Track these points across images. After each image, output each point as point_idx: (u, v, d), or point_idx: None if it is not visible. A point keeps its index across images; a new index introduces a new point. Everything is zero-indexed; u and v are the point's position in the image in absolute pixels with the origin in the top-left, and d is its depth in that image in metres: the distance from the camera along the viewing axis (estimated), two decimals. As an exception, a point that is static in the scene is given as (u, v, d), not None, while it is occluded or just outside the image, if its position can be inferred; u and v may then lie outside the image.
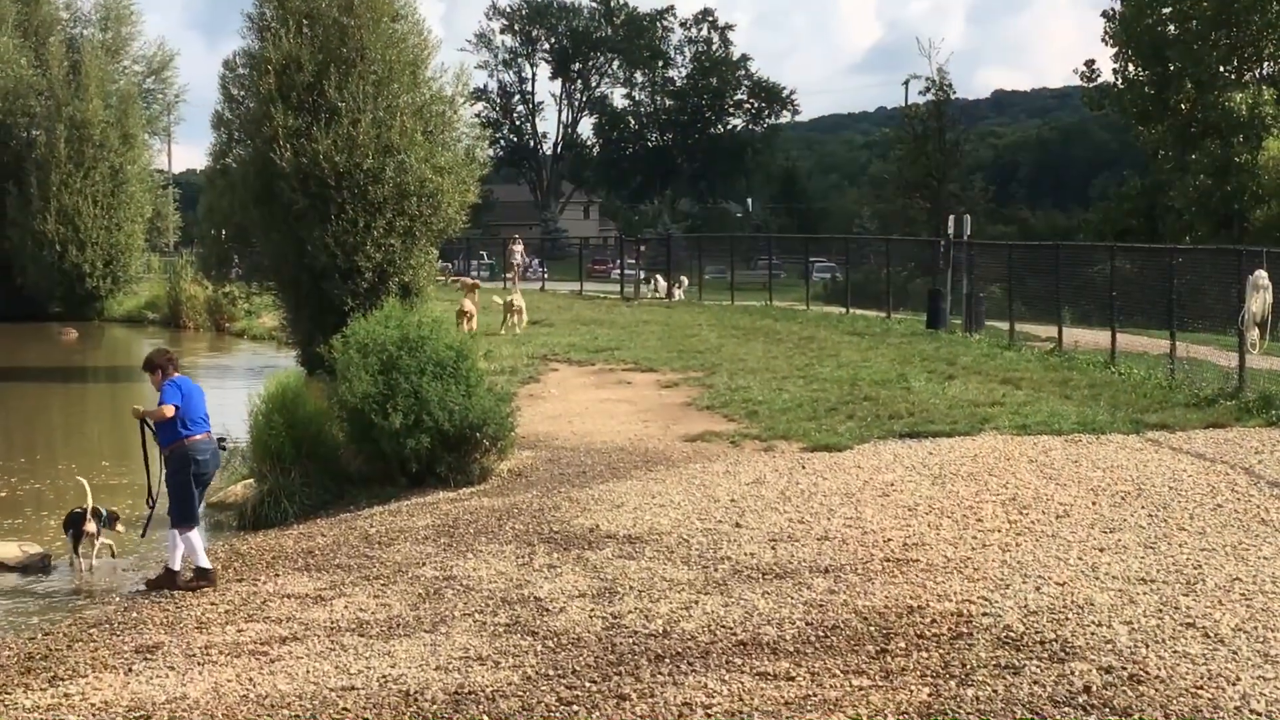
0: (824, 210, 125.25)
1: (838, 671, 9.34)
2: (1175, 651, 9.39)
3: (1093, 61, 68.73)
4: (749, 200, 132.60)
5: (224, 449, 14.90)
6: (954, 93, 79.76)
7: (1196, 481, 15.39)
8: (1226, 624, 9.97)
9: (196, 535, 14.14)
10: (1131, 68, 65.53)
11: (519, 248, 64.38)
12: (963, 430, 19.15)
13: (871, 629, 10.29)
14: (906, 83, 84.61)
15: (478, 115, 35.26)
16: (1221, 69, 62.07)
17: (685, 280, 54.03)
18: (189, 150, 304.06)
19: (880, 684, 9.04)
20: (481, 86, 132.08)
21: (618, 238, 79.90)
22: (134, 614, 12.88)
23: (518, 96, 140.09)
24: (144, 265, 66.77)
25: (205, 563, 14.02)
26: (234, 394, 24.77)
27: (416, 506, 16.92)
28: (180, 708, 9.54)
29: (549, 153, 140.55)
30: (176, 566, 14.03)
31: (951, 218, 39.52)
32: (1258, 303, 21.68)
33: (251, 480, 18.48)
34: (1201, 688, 8.66)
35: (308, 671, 10.24)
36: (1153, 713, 8.25)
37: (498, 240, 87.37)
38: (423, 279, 32.86)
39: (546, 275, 66.98)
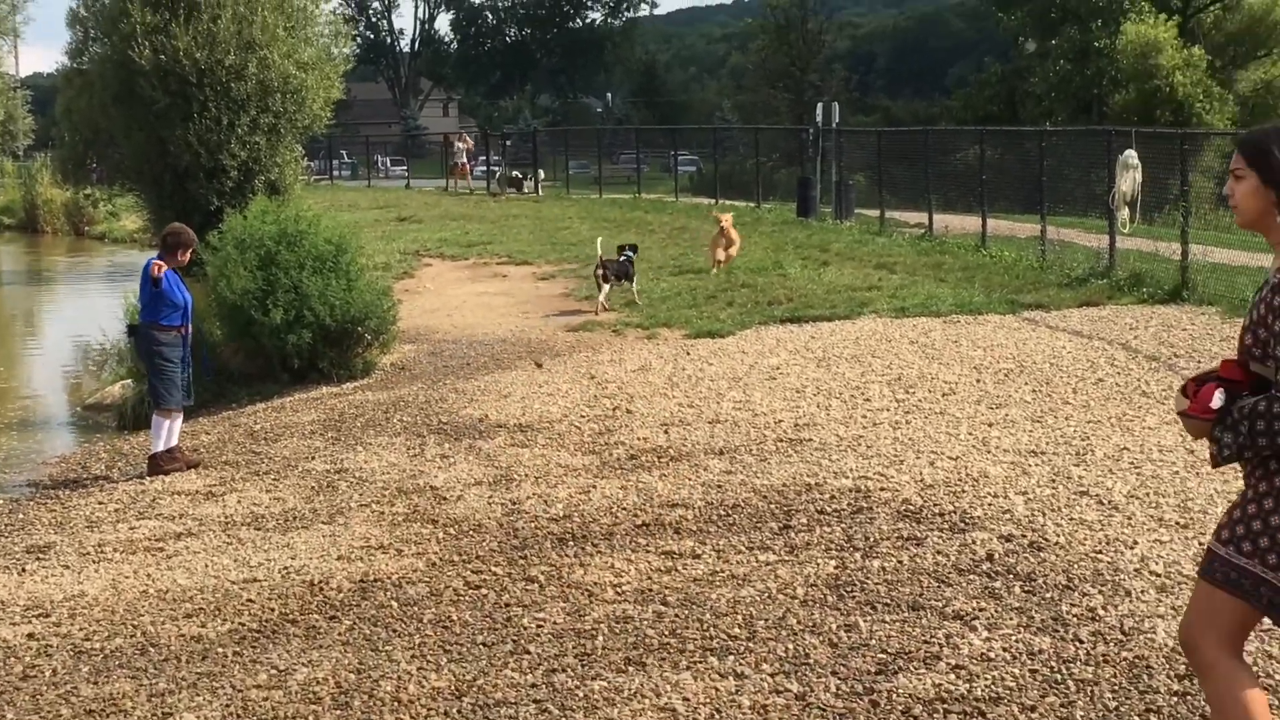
0: (684, 103, 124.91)
1: (743, 548, 9.39)
2: (1072, 519, 9.54)
3: (953, -51, 68.94)
4: (609, 95, 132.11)
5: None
6: (816, -20, 79.77)
7: (1076, 358, 15.63)
8: (1119, 491, 10.15)
9: None
10: (993, -46, 65.83)
11: (464, 145, 57.87)
12: (842, 314, 19.30)
13: (772, 507, 10.35)
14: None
15: (334, 12, 34.55)
16: (1080, -46, 62.50)
17: (541, 174, 53.70)
18: (37, 52, 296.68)
19: (786, 559, 9.11)
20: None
21: (481, 133, 79.19)
22: (19, 515, 12.66)
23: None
24: (-5, 170, 65.33)
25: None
26: (104, 298, 24.43)
27: (300, 402, 16.79)
28: (80, 604, 9.40)
29: (406, 50, 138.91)
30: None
31: (820, 105, 39.58)
32: (1127, 182, 21.97)
33: (129, 380, 18.23)
34: (1100, 552, 8.81)
35: (207, 566, 10.13)
36: (1055, 577, 8.38)
37: (358, 139, 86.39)
38: (289, 176, 32.43)
39: (409, 173, 66.40)
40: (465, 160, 55.58)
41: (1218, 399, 4.92)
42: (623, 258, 21.63)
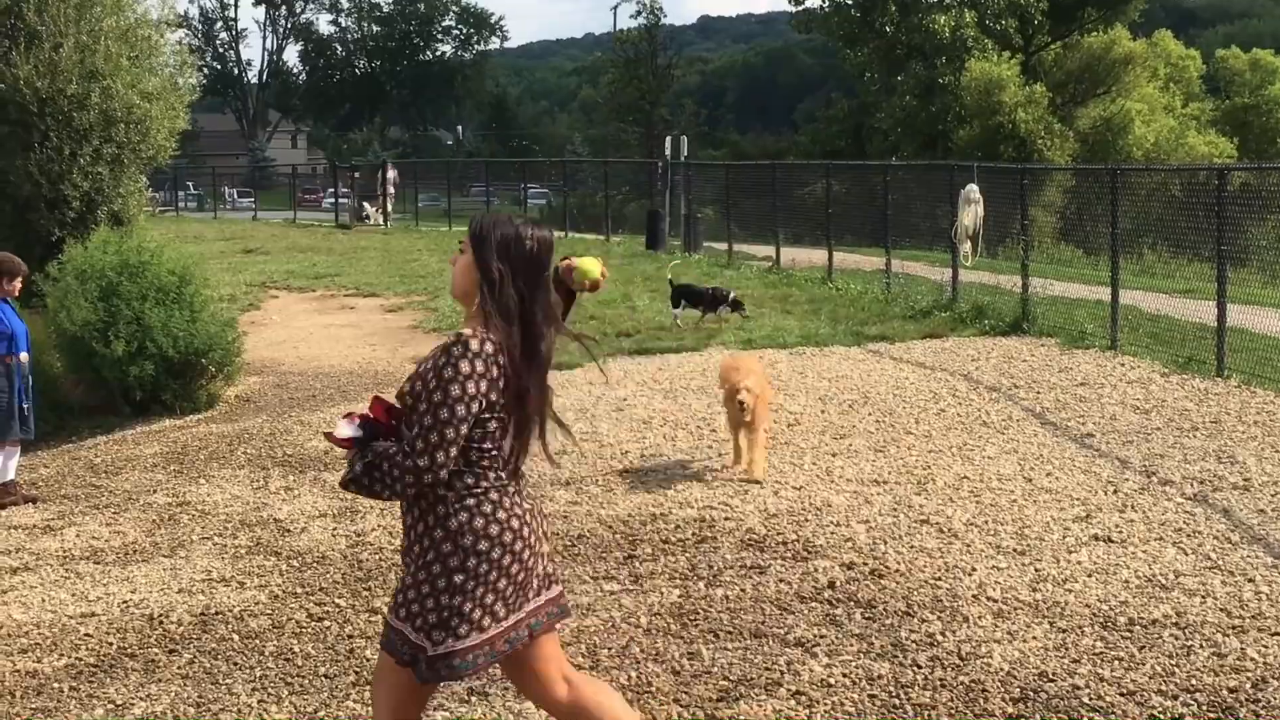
0: (535, 136, 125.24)
1: (587, 578, 9.42)
2: (912, 547, 9.68)
3: (800, -15, 69.64)
4: (460, 127, 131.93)
5: None
6: (664, 16, 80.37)
7: (919, 388, 15.86)
8: (958, 519, 10.32)
9: None
10: (838, -9, 66.73)
11: (392, 174, 54.23)
12: (690, 347, 19.42)
13: (617, 537, 10.39)
14: (616, 7, 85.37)
15: (179, 42, 33.99)
16: (925, -8, 63.59)
17: (390, 206, 53.28)
18: None
19: (630, 588, 9.14)
20: (182, 13, 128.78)
21: (330, 165, 78.76)
22: None
23: (220, 23, 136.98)
24: None
25: None
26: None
27: (143, 435, 16.56)
28: (-89, 642, 9.21)
29: (254, 81, 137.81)
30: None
31: (669, 139, 39.85)
32: (969, 216, 22.32)
33: (-37, 414, 17.84)
34: (940, 578, 8.95)
35: (43, 600, 9.95)
36: (895, 604, 8.50)
37: (204, 170, 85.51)
38: (133, 207, 31.90)
39: (257, 205, 65.84)
40: (392, 190, 53.72)
41: (344, 428, 5.12)
42: (710, 288, 22.28)
